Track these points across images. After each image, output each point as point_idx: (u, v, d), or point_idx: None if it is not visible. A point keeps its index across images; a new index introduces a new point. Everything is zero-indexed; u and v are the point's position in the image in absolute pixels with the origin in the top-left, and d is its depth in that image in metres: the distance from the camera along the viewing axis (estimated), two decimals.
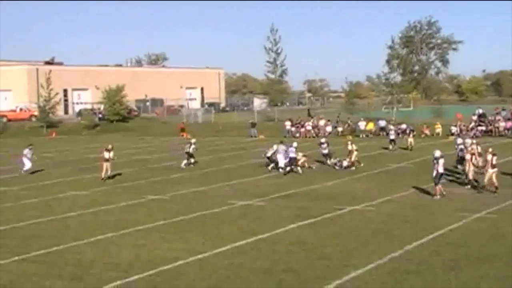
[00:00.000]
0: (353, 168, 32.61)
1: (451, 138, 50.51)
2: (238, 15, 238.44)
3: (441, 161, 24.41)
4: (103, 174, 31.03)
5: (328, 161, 34.00)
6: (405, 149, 41.81)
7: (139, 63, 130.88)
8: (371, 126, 57.31)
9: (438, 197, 23.95)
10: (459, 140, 32.12)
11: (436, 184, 24.24)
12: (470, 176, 26.42)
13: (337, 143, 41.50)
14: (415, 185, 27.18)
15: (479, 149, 27.92)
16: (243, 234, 18.70)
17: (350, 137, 46.01)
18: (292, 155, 32.04)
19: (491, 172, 25.00)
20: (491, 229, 18.82)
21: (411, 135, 43.44)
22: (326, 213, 21.56)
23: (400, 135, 51.16)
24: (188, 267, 15.49)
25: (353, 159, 33.07)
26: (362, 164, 33.13)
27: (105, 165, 31.05)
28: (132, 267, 15.54)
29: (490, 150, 25.66)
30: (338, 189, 27.20)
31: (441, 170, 24.32)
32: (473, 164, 26.33)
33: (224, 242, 17.80)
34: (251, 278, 14.52)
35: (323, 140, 35.44)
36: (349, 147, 33.52)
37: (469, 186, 26.00)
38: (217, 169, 34.98)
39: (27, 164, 34.49)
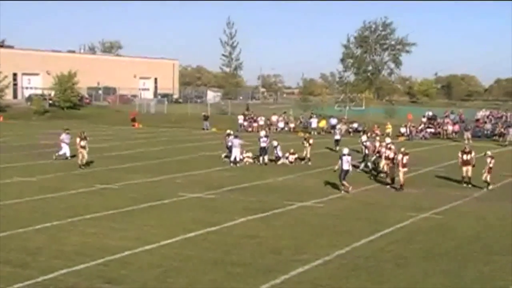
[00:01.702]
0: (303, 163, 32.92)
1: (401, 138, 51.43)
2: (195, 7, 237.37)
3: (347, 158, 25.20)
4: (79, 161, 30.72)
5: (265, 157, 33.76)
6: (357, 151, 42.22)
7: (92, 50, 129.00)
8: (323, 123, 57.80)
9: (343, 192, 24.87)
10: (364, 138, 33.32)
11: (341, 180, 25.11)
12: (383, 169, 28.56)
13: (289, 139, 41.74)
14: (365, 183, 27.60)
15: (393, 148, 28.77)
16: (194, 226, 18.67)
17: (302, 134, 46.35)
18: (263, 144, 33.12)
19: (401, 171, 25.95)
20: (438, 228, 19.21)
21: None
22: (277, 208, 21.68)
23: (351, 134, 51.85)
24: (137, 257, 15.38)
25: (308, 155, 33.41)
26: (309, 163, 33.33)
27: (82, 152, 30.79)
28: (80, 255, 15.34)
29: (402, 150, 26.43)
30: (290, 184, 27.37)
31: (346, 167, 25.05)
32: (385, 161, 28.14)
33: (175, 232, 17.74)
34: (200, 269, 14.50)
35: (262, 133, 35.02)
36: (305, 143, 33.90)
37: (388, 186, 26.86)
38: (170, 160, 34.83)
39: (64, 149, 33.82)
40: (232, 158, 32.72)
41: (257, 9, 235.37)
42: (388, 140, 31.07)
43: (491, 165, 26.17)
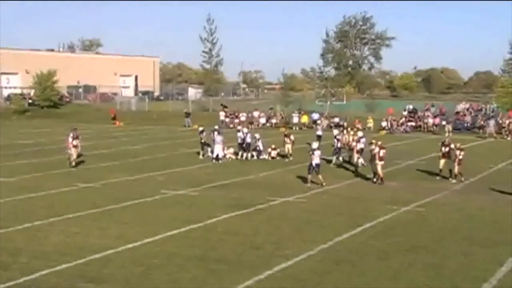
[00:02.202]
0: (287, 160, 32.89)
1: (383, 132, 51.70)
2: (175, 3, 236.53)
3: (317, 152, 25.70)
4: (72, 160, 30.47)
5: (244, 153, 34.02)
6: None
7: (72, 48, 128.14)
8: (305, 119, 57.93)
9: (310, 184, 25.31)
10: (336, 131, 33.72)
11: (309, 173, 25.58)
12: (358, 162, 29.51)
13: (271, 135, 41.81)
14: (347, 177, 27.72)
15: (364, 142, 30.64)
16: (176, 223, 18.62)
17: (284, 129, 46.39)
18: (248, 140, 33.95)
19: (379, 164, 26.20)
20: (418, 221, 19.35)
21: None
22: (260, 204, 21.69)
23: (333, 129, 51.91)
24: (119, 255, 15.33)
25: (290, 151, 33.36)
26: (291, 158, 33.31)
27: (74, 150, 30.51)
28: (62, 255, 15.25)
29: (379, 143, 26.68)
30: (272, 180, 27.40)
31: (316, 161, 25.52)
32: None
33: (157, 230, 17.69)
34: (183, 266, 14.48)
35: (239, 128, 35.78)
36: (284, 139, 33.98)
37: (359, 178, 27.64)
38: (151, 157, 34.71)
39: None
40: (214, 155, 32.72)
41: (237, 4, 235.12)
42: (360, 133, 31.51)
43: (460, 157, 26.37)
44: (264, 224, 18.83)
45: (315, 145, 26.42)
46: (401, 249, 16.03)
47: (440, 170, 27.29)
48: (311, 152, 25.68)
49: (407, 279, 13.63)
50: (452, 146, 27.32)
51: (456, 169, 26.50)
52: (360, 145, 30.12)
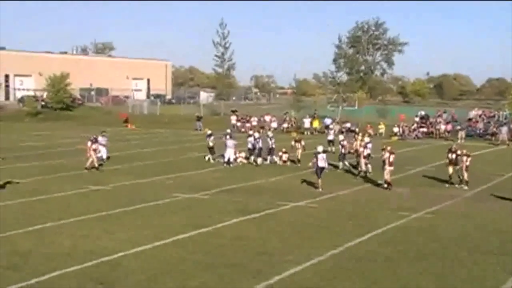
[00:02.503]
0: (298, 164, 32.83)
1: (394, 138, 51.56)
2: (188, 7, 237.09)
3: (322, 155, 25.90)
4: (88, 164, 30.37)
5: (252, 157, 33.85)
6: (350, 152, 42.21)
7: (85, 51, 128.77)
8: (316, 124, 57.87)
9: (321, 189, 25.41)
10: (341, 137, 33.76)
11: (318, 177, 25.78)
12: (363, 167, 29.45)
13: (282, 139, 41.72)
14: (356, 183, 27.66)
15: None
16: (185, 227, 18.64)
17: (295, 134, 46.35)
18: (260, 145, 33.64)
19: (387, 169, 26.19)
20: (428, 228, 19.25)
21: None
22: (269, 209, 21.68)
23: (344, 134, 51.85)
24: (128, 259, 15.36)
25: (299, 156, 33.28)
26: (299, 164, 32.96)
27: (92, 155, 30.45)
28: (71, 257, 15.31)
29: (388, 148, 26.56)
30: (281, 185, 27.37)
31: (321, 164, 25.69)
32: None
33: (166, 234, 17.72)
34: (190, 271, 14.49)
35: (250, 132, 35.62)
36: (293, 144, 33.91)
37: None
38: (161, 161, 34.77)
39: (102, 151, 33.50)
40: (225, 159, 32.74)
41: (249, 9, 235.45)
42: (366, 139, 31.46)
43: (467, 163, 26.27)
44: (273, 229, 18.80)
45: (320, 148, 26.55)
46: (410, 256, 15.97)
47: (450, 177, 27.16)
48: (314, 156, 25.91)
49: (417, 287, 13.57)
50: (459, 152, 27.20)
51: (465, 176, 26.41)
52: (367, 151, 30.00)
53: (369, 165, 29.60)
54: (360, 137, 33.75)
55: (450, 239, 17.97)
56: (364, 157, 29.66)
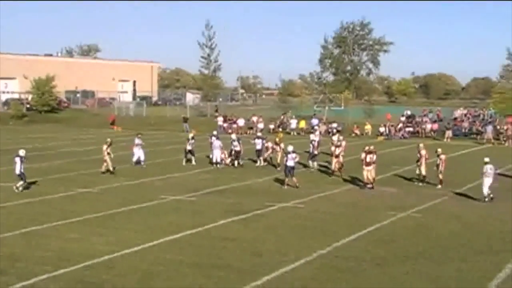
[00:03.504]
0: (277, 168, 31.87)
1: (380, 138, 51.76)
2: (173, 9, 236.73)
3: (292, 155, 25.93)
4: (103, 168, 30.13)
5: (240, 160, 33.55)
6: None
7: (70, 53, 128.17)
8: (303, 124, 57.97)
9: (286, 187, 25.96)
10: (312, 136, 33.80)
11: (286, 176, 26.16)
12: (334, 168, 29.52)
13: (269, 140, 41.70)
14: (345, 183, 27.74)
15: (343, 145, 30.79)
16: (175, 229, 18.64)
17: (281, 135, 46.27)
18: (237, 148, 33.17)
19: (365, 169, 26.42)
20: (416, 227, 19.37)
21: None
22: (258, 209, 21.72)
23: (331, 134, 52.01)
24: (119, 261, 15.34)
25: (278, 160, 32.61)
26: (279, 169, 31.54)
27: (108, 158, 30.12)
28: (60, 260, 15.26)
29: (366, 148, 26.72)
30: (270, 185, 27.42)
31: (289, 163, 25.81)
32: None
33: (156, 236, 17.71)
34: (181, 272, 14.50)
35: (233, 137, 34.79)
36: (272, 146, 33.45)
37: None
38: (150, 163, 34.63)
39: (137, 154, 33.54)
40: (214, 160, 32.78)
41: (235, 11, 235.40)
42: (334, 138, 31.47)
43: (438, 163, 26.33)
44: (262, 230, 18.84)
45: (290, 148, 26.75)
46: (399, 256, 16.06)
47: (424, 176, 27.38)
48: (285, 155, 25.97)
49: (405, 286, 13.65)
50: (423, 152, 27.38)
51: (423, 171, 27.17)
52: (338, 150, 29.96)
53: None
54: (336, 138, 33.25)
55: (438, 237, 18.10)
56: (336, 156, 29.52)
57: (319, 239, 17.59)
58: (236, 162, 33.13)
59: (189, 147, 33.63)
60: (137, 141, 34.00)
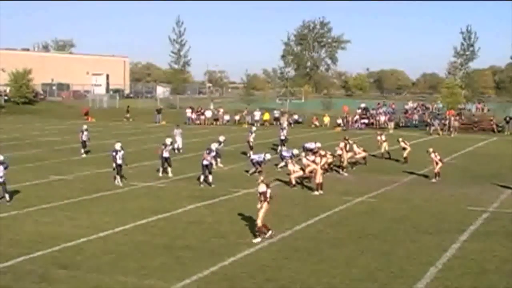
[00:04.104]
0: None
1: (338, 129, 52.06)
2: (144, 6, 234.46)
3: (120, 154, 23.89)
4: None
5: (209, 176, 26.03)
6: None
7: (46, 48, 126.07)
8: (267, 116, 58.00)
9: (201, 186, 23.40)
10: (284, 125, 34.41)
11: (117, 173, 23.74)
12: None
13: (233, 131, 41.80)
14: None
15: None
16: (144, 213, 18.51)
17: (246, 126, 46.39)
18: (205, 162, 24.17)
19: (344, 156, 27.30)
20: (370, 211, 19.53)
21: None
22: (223, 195, 21.67)
23: (292, 125, 52.22)
24: (91, 244, 15.18)
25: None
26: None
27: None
28: (36, 243, 15.05)
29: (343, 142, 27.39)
30: (235, 173, 27.35)
31: (119, 161, 23.71)
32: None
33: (126, 220, 17.56)
34: (150, 253, 14.39)
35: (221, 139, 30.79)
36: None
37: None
38: (111, 152, 34.22)
39: (178, 141, 33.68)
40: (175, 146, 32.48)
41: (204, 8, 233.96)
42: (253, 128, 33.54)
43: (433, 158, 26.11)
44: (227, 214, 18.80)
45: (213, 146, 25.16)
46: (354, 237, 16.17)
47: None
48: (114, 153, 23.85)
49: (359, 265, 13.75)
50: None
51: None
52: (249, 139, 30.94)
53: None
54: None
55: (390, 220, 18.26)
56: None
57: (280, 222, 17.57)
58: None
59: (166, 154, 26.37)
60: (176, 131, 35.00)
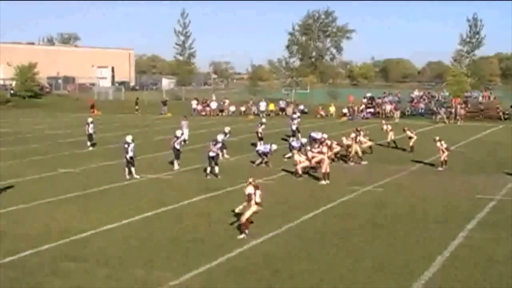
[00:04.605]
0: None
1: (344, 118, 51.95)
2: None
3: (218, 145, 24.19)
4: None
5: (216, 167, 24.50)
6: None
7: (51, 41, 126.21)
8: (272, 107, 57.92)
9: (208, 177, 23.38)
10: (295, 115, 35.47)
11: (126, 166, 23.65)
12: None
13: (239, 121, 41.77)
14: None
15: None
16: (152, 206, 18.53)
17: (252, 117, 46.25)
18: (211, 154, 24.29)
19: (354, 147, 26.99)
20: (376, 201, 19.48)
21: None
22: (230, 186, 21.65)
23: (298, 115, 52.03)
24: (98, 237, 15.21)
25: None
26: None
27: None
28: (43, 237, 15.09)
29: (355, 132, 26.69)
30: (242, 164, 27.33)
31: (130, 154, 23.59)
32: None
33: (133, 213, 17.59)
34: (158, 246, 14.42)
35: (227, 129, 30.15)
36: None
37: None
38: (123, 145, 34.27)
39: (185, 133, 32.98)
40: (183, 138, 32.08)
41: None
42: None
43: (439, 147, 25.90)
44: (234, 206, 18.68)
45: (219, 137, 24.95)
46: (361, 227, 16.15)
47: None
48: (126, 146, 23.74)
49: (367, 256, 13.73)
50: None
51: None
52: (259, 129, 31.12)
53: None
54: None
55: (397, 210, 18.23)
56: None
57: (287, 213, 17.60)
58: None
59: (177, 146, 26.21)
60: (183, 122, 34.91)
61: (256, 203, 15.29)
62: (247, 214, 15.30)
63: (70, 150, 31.72)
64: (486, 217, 17.24)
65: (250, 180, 15.81)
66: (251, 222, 15.67)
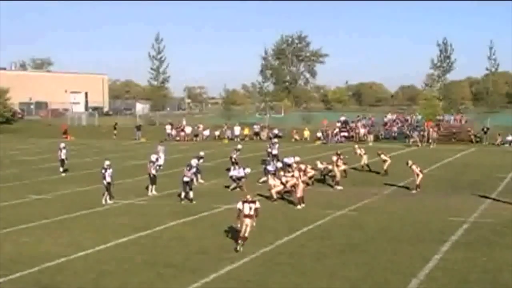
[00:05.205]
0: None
1: (318, 142, 52.25)
2: (123, 22, 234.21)
3: (109, 171, 23.73)
4: None
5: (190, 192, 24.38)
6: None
7: (23, 67, 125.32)
8: (247, 131, 58.09)
9: (183, 202, 23.31)
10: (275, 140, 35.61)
11: (106, 191, 23.55)
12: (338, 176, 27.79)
13: (213, 147, 41.76)
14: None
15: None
16: (126, 231, 18.39)
17: (226, 141, 46.33)
18: (185, 179, 24.03)
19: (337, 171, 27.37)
20: (352, 223, 19.60)
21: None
22: (205, 211, 21.60)
23: (273, 140, 52.15)
24: (72, 263, 15.04)
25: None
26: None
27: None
28: (16, 264, 14.87)
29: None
30: (216, 188, 27.29)
31: (108, 179, 23.49)
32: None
33: (107, 238, 17.43)
34: (132, 271, 14.31)
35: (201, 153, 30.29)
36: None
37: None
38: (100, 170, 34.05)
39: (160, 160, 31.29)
40: (159, 163, 31.94)
41: (182, 24, 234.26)
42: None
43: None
44: (209, 230, 18.74)
45: (193, 162, 24.93)
46: (336, 250, 16.21)
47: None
48: (103, 171, 23.71)
49: (342, 277, 13.79)
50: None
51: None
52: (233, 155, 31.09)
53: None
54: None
55: (372, 231, 18.35)
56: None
57: (262, 236, 17.56)
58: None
59: (153, 171, 26.05)
60: (159, 147, 34.38)
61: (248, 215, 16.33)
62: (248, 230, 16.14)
63: (43, 176, 31.41)
64: (460, 239, 17.43)
65: (248, 196, 16.92)
66: (246, 238, 16.14)
